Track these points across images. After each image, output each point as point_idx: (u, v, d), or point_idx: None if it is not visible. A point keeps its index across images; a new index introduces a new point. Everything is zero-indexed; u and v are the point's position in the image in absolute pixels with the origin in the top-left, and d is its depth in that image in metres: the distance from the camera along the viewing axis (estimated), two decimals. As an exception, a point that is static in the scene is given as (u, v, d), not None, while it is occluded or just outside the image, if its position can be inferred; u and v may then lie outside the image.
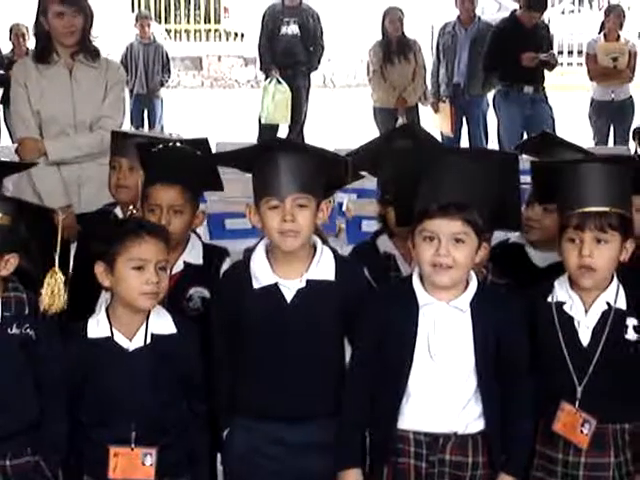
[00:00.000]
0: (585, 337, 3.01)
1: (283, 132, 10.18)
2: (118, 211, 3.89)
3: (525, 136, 8.51)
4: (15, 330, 2.99)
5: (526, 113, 8.85)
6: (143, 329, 3.04)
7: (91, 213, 4.06)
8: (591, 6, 20.99)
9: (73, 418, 3.04)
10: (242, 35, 20.44)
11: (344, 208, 5.34)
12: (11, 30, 10.63)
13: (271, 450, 3.07)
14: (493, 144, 9.56)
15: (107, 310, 3.07)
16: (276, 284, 3.04)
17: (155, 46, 11.72)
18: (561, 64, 14.38)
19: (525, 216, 3.47)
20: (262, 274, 3.05)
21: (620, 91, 9.74)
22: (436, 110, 9.92)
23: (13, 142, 6.36)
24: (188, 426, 3.09)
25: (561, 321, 3.02)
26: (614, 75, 9.69)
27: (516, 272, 3.41)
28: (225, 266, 3.42)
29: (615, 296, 3.02)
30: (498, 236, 3.51)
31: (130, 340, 3.04)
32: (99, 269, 3.04)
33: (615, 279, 3.03)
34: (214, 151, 3.88)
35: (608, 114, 9.78)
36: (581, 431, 2.98)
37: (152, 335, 3.04)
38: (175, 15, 21.05)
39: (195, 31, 21.18)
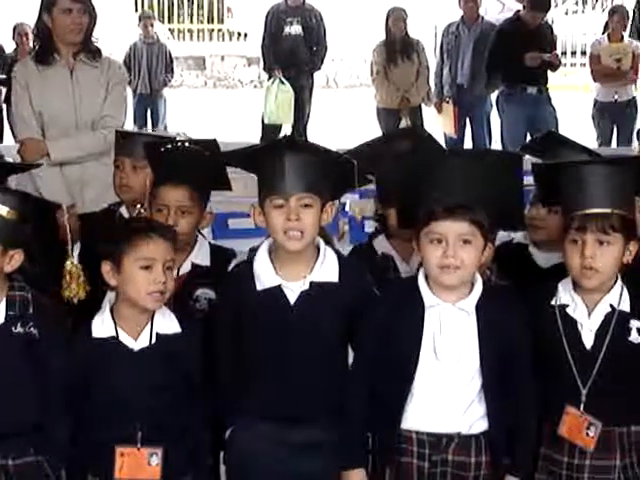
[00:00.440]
0: (588, 340, 3.00)
1: (286, 132, 10.16)
2: (124, 210, 3.87)
3: (528, 137, 8.51)
4: (19, 329, 2.99)
5: (529, 114, 8.82)
6: (148, 329, 3.04)
7: (96, 213, 4.04)
8: (594, 7, 20.97)
9: (78, 418, 3.03)
10: (245, 35, 20.41)
11: (347, 208, 5.33)
12: (14, 29, 10.62)
13: (274, 450, 3.07)
14: (496, 144, 9.56)
15: (111, 310, 3.06)
16: (279, 286, 3.03)
17: (158, 46, 11.72)
18: (564, 65, 14.33)
19: (529, 216, 3.45)
20: (265, 276, 3.04)
21: (623, 92, 9.72)
22: (439, 110, 9.91)
23: (15, 142, 6.34)
24: (192, 425, 3.09)
25: (564, 324, 3.01)
26: (617, 76, 9.66)
27: (519, 272, 3.40)
28: (232, 268, 3.42)
29: (619, 298, 3.01)
30: (502, 236, 3.51)
31: (135, 340, 3.03)
32: (106, 268, 3.03)
33: (619, 281, 3.02)
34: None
35: (611, 115, 9.76)
36: (587, 434, 2.98)
37: (157, 335, 3.04)
38: (178, 15, 21.02)
39: (198, 31, 21.13)
